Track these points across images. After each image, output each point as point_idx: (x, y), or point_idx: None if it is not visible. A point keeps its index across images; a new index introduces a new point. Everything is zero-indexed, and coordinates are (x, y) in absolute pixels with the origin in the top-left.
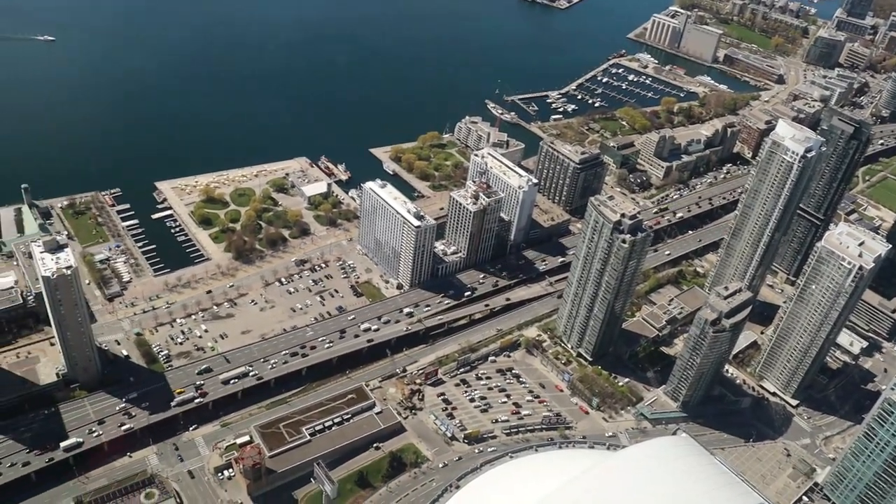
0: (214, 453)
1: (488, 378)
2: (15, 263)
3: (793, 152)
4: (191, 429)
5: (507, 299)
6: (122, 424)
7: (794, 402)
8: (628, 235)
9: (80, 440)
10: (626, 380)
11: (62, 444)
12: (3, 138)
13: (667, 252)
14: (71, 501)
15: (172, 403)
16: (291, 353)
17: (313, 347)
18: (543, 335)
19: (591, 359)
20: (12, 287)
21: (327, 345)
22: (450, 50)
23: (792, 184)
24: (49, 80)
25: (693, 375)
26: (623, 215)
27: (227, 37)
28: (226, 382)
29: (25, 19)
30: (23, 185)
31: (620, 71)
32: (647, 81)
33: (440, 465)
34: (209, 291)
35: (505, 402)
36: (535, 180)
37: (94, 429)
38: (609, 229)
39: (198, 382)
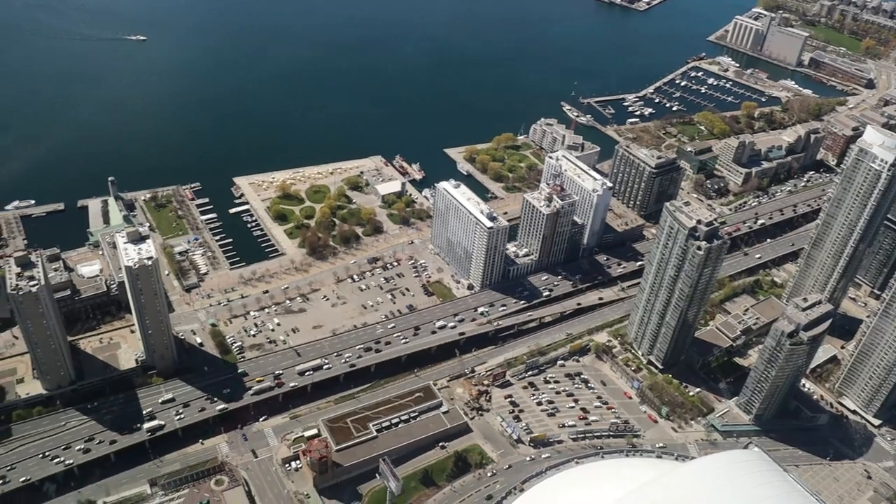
0: (283, 444)
1: (556, 382)
2: (101, 253)
3: (881, 160)
4: (261, 419)
5: (578, 303)
6: (197, 411)
7: (877, 422)
8: (704, 242)
9: (162, 423)
10: (697, 390)
11: (145, 426)
12: (93, 133)
13: (745, 259)
14: (146, 483)
15: (250, 391)
16: (365, 348)
17: (388, 343)
18: (614, 341)
19: (661, 367)
20: (97, 275)
21: (403, 340)
22: (527, 51)
23: (880, 193)
24: (138, 79)
25: (768, 388)
26: (699, 221)
27: (307, 35)
28: (301, 374)
29: (118, 20)
30: (109, 178)
31: (700, 74)
32: (728, 85)
33: (505, 468)
34: (286, 288)
35: (572, 407)
36: (609, 184)
37: (169, 414)
38: (684, 235)
39: (276, 372)
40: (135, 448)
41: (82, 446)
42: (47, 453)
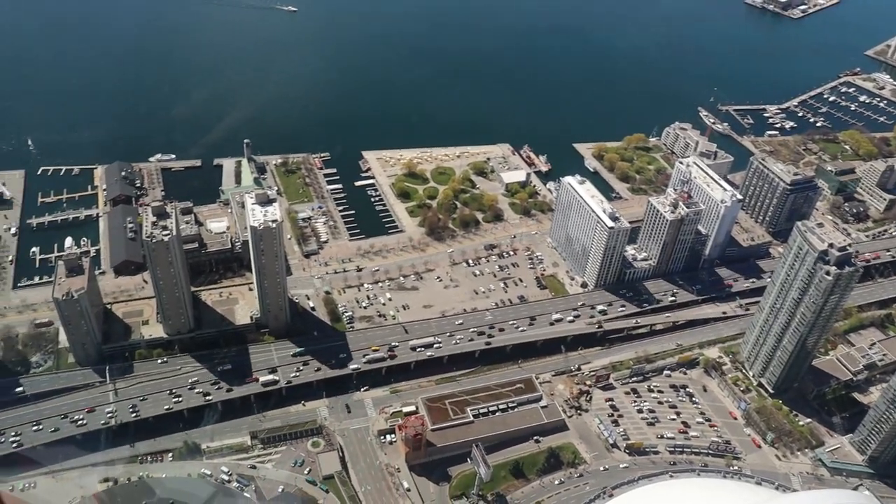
0: (380, 417)
1: (660, 392)
2: (229, 211)
3: None
4: (362, 389)
5: (692, 315)
6: (302, 373)
7: None
8: (834, 267)
9: (277, 378)
10: (808, 420)
11: (261, 379)
12: (235, 97)
13: (878, 290)
14: (247, 434)
15: (363, 359)
16: (477, 332)
17: (502, 330)
18: (725, 358)
19: (772, 391)
20: (224, 232)
21: (513, 330)
22: (669, 52)
23: None
24: (284, 48)
25: (888, 430)
26: (831, 245)
27: (451, 18)
28: (413, 349)
29: None
30: (245, 141)
31: (851, 90)
32: (881, 104)
33: (597, 470)
34: (401, 265)
35: (673, 420)
36: (739, 196)
37: (278, 373)
38: (813, 258)
39: (392, 344)
40: (241, 400)
41: (200, 390)
42: (174, 390)
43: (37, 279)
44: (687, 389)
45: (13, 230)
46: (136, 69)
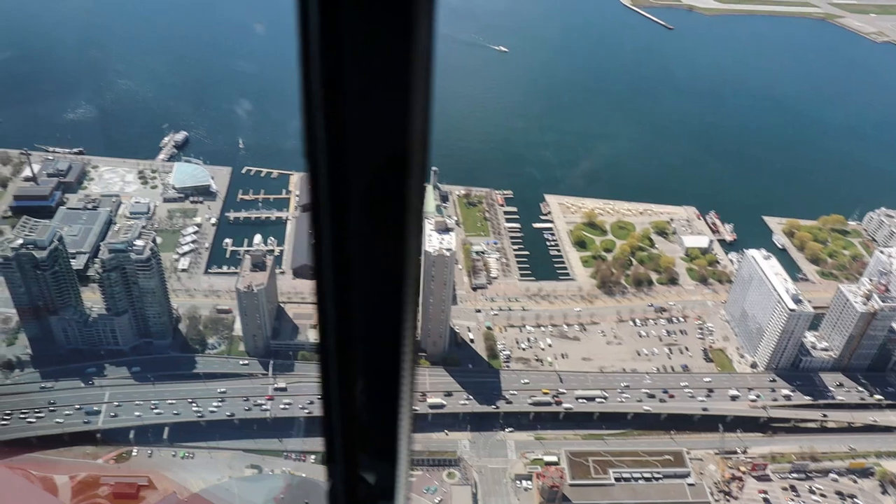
0: (520, 461)
1: (822, 496)
2: None
3: None
4: (507, 430)
5: (873, 419)
6: (449, 402)
7: None
8: None
9: (443, 402)
10: None
11: (429, 401)
12: (456, 128)
13: None
14: None
15: (529, 400)
16: (636, 393)
17: (672, 396)
18: None
19: None
20: None
21: (679, 399)
22: (885, 132)
23: None
24: (489, 84)
25: None
26: None
27: (657, 78)
28: (578, 399)
29: (479, 25)
30: (433, 168)
31: None
32: None
33: None
34: (567, 313)
35: None
36: None
37: (429, 399)
38: None
39: (560, 390)
40: None
41: None
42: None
43: (225, 268)
44: (855, 500)
45: (213, 220)
46: None
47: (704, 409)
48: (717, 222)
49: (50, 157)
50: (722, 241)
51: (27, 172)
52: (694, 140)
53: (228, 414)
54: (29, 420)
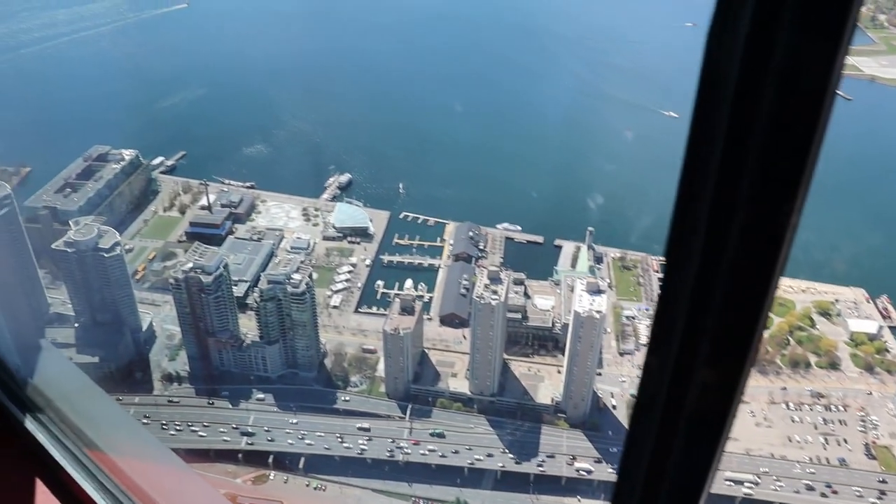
0: None
1: None
2: (558, 291)
3: None
4: None
5: None
6: (582, 467)
7: None
8: None
9: (591, 468)
10: None
11: (576, 465)
12: (594, 183)
13: None
14: None
15: None
16: (808, 485)
17: (835, 492)
18: None
19: None
20: (548, 311)
21: (872, 500)
22: None
23: None
24: (655, 150)
25: None
26: None
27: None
28: (726, 481)
29: (653, 87)
30: (588, 228)
31: None
32: None
33: None
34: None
35: None
36: None
37: (564, 460)
38: None
39: None
40: (521, 475)
41: (488, 453)
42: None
43: (374, 309)
44: None
45: (367, 262)
46: (524, 146)
47: None
48: (890, 307)
49: (224, 189)
50: (894, 329)
51: (203, 202)
52: (872, 220)
53: (374, 453)
54: (200, 434)
